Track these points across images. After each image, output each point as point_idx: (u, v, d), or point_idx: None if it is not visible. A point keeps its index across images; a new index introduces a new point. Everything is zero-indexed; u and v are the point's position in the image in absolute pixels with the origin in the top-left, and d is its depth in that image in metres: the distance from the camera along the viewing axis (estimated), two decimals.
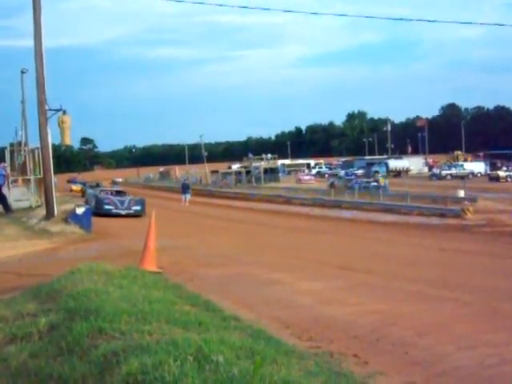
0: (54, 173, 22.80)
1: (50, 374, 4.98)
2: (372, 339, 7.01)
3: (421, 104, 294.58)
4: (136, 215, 31.53)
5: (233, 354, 4.82)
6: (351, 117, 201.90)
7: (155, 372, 4.23)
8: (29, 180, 28.65)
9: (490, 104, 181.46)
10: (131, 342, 5.19)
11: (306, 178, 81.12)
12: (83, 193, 57.19)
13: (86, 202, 33.58)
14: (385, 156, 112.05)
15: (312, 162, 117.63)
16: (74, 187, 74.42)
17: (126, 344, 5.14)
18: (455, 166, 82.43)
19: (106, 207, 32.15)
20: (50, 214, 21.13)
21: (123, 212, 31.94)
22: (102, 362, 4.83)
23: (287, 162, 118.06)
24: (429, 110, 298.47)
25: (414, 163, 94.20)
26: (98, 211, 30.58)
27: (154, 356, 4.56)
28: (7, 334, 6.36)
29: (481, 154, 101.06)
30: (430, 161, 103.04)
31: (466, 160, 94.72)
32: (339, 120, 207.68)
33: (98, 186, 59.58)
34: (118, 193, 37.20)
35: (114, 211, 31.64)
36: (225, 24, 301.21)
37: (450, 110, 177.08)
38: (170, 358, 4.47)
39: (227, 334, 5.87)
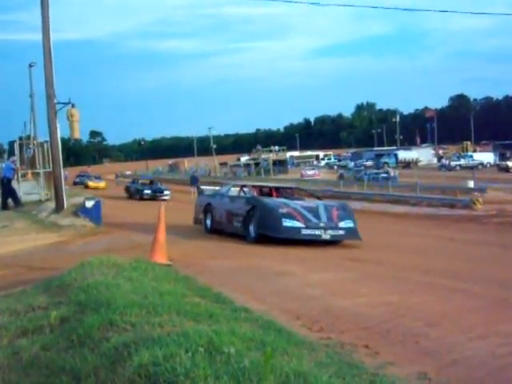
0: (64, 166, 22.86)
1: (61, 366, 5.00)
2: (383, 330, 7.00)
3: (429, 95, 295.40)
4: (346, 238, 16.55)
5: (244, 346, 4.82)
6: (360, 108, 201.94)
7: (166, 364, 4.24)
8: (38, 173, 28.76)
9: (499, 94, 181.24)
10: (142, 334, 5.20)
11: (310, 172, 73.19)
12: (132, 193, 45.87)
13: (205, 212, 19.04)
14: (394, 147, 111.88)
15: (321, 153, 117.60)
16: (92, 183, 64.11)
17: (137, 336, 5.15)
18: (464, 157, 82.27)
19: (287, 224, 15.61)
20: (59, 208, 21.19)
21: (326, 235, 15.79)
22: (113, 354, 4.84)
23: (296, 153, 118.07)
24: (437, 100, 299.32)
25: (423, 154, 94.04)
26: (269, 232, 15.74)
27: (165, 348, 4.57)
28: (19, 327, 6.38)
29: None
30: (440, 151, 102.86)
31: (474, 151, 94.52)
32: (348, 111, 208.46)
33: (152, 183, 48.84)
34: (287, 192, 19.58)
35: (307, 233, 15.66)
36: (233, 16, 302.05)
37: (459, 101, 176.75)
38: (181, 350, 4.48)
39: (238, 325, 5.87)
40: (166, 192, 44.90)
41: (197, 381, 3.94)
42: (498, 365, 5.75)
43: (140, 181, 50.42)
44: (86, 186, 62.12)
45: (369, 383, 4.64)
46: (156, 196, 43.34)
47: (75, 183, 67.94)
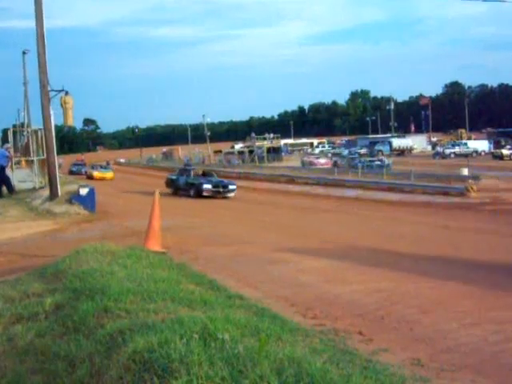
0: (58, 154, 22.79)
1: (56, 352, 5.01)
2: (377, 317, 7.04)
3: (424, 82, 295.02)
4: None
5: (238, 332, 4.84)
6: (354, 95, 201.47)
7: (161, 350, 4.25)
8: (32, 161, 28.67)
9: (493, 82, 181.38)
10: (137, 321, 5.22)
11: (323, 161, 65.38)
12: (180, 188, 32.38)
13: None
14: (388, 135, 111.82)
15: (315, 141, 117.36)
16: (98, 173, 55.43)
17: (132, 323, 5.16)
18: (459, 145, 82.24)
19: None
20: (53, 195, 21.14)
21: None
22: (108, 341, 4.86)
23: (290, 141, 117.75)
24: (432, 88, 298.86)
25: (417, 142, 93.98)
26: None
27: (160, 334, 4.58)
28: (14, 314, 6.40)
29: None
30: (434, 139, 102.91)
31: (469, 138, 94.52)
32: (342, 99, 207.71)
33: (205, 174, 35.31)
34: None
35: None
36: (226, 2, 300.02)
37: (454, 88, 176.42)
38: (175, 336, 4.49)
39: (232, 312, 5.89)
40: (231, 187, 32.47)
41: (191, 367, 3.94)
42: (490, 351, 5.79)
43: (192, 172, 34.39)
44: (90, 177, 53.70)
45: (362, 369, 4.66)
46: (219, 192, 31.64)
47: (71, 172, 61.61)
